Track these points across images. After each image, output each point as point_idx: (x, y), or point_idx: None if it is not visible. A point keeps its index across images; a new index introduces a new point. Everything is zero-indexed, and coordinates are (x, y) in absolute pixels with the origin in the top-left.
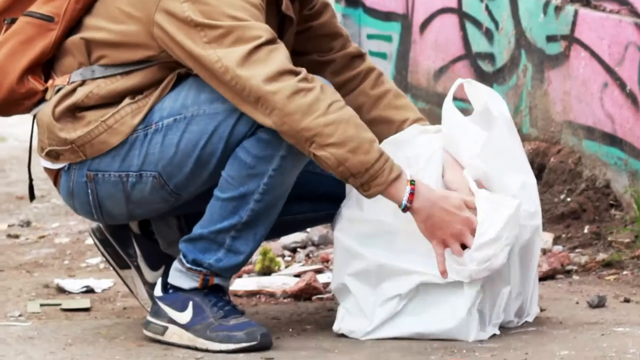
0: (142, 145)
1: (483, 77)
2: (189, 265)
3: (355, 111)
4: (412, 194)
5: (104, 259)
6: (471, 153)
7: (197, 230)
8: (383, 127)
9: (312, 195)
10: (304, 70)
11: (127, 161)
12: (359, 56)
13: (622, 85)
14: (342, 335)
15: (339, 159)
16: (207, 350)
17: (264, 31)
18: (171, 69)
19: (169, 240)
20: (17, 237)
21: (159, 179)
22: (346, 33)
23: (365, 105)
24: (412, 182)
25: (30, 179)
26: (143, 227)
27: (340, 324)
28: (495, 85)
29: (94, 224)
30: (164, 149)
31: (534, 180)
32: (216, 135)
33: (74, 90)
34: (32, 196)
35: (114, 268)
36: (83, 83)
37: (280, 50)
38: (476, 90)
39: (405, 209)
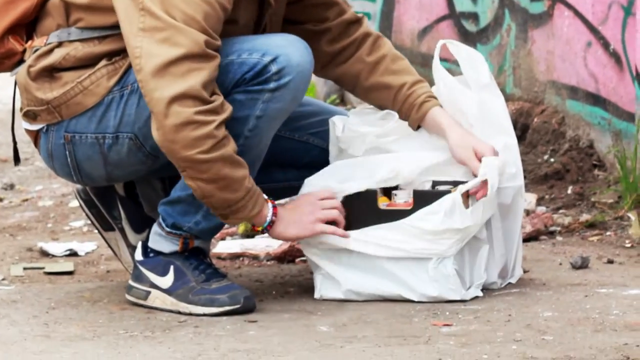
0: (118, 106)
1: (467, 37)
2: (168, 229)
3: (353, 79)
4: (270, 225)
5: (88, 221)
6: (470, 115)
7: (175, 192)
8: (382, 93)
9: (297, 164)
10: (217, 100)
11: (103, 122)
12: (356, 22)
13: (605, 45)
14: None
15: (204, 193)
16: (190, 314)
17: (196, 44)
18: None
19: (153, 203)
20: (0, 200)
21: (135, 140)
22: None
23: (363, 72)
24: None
25: (15, 142)
26: (128, 189)
27: (320, 292)
28: (479, 45)
29: (79, 185)
30: (140, 110)
31: (515, 141)
32: None
33: (50, 52)
34: (16, 159)
35: (97, 230)
36: (60, 45)
37: (202, 71)
38: (459, 51)
39: (263, 231)
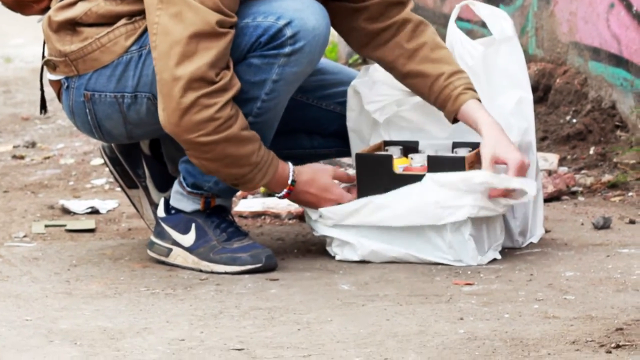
0: (137, 66)
1: None
2: (189, 189)
3: (391, 64)
4: (287, 193)
5: (110, 179)
6: (470, 62)
7: None
8: (418, 81)
9: (324, 132)
10: (224, 78)
11: (122, 82)
12: (397, 4)
13: (628, 6)
14: None
15: (209, 170)
16: (211, 272)
17: (206, 23)
18: None
19: (177, 163)
20: (22, 158)
21: (153, 100)
22: None
23: (401, 58)
24: (292, 183)
25: (42, 89)
26: (154, 148)
27: (337, 257)
28: (501, 6)
29: (103, 142)
30: None
31: (530, 95)
32: None
33: (73, 4)
34: (43, 107)
35: (121, 187)
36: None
37: (210, 51)
38: (480, 10)
39: (282, 197)
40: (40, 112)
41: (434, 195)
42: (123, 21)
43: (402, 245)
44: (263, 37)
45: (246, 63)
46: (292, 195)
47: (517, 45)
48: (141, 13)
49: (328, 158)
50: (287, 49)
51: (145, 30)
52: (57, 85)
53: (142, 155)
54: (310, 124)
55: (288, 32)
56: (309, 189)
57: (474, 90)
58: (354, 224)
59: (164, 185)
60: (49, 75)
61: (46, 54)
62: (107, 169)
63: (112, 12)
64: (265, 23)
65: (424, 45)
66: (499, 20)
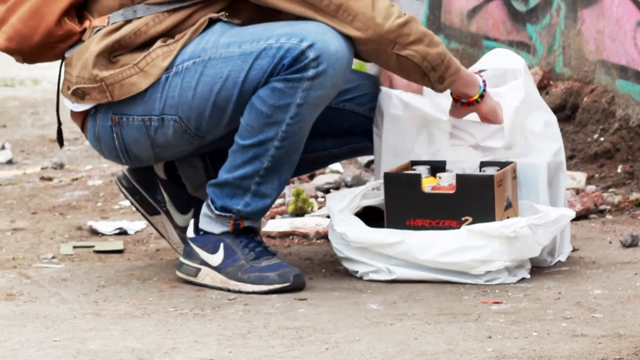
0: (163, 88)
1: (516, 17)
2: (218, 212)
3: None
4: (484, 81)
5: (134, 207)
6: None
7: (222, 175)
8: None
9: (337, 131)
10: None
11: (149, 104)
12: None
13: None
14: None
15: (422, 54)
16: (239, 292)
17: None
18: (205, 13)
19: (196, 183)
20: (50, 179)
21: (180, 123)
22: None
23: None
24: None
25: (59, 123)
26: (169, 171)
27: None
28: (528, 25)
29: (120, 173)
30: (183, 92)
31: (554, 117)
32: (230, 80)
33: (117, 30)
34: (60, 141)
35: (143, 215)
36: (127, 22)
37: None
38: (490, 59)
39: (482, 95)
40: (60, 147)
41: (470, 246)
42: (159, 43)
43: (433, 272)
44: (286, 59)
45: (270, 87)
46: (484, 98)
47: (529, 74)
48: (174, 34)
49: (343, 159)
50: (311, 72)
51: (179, 52)
52: (80, 116)
53: (159, 180)
54: (321, 126)
55: (311, 54)
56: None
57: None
58: (384, 253)
59: (185, 207)
60: (74, 107)
61: (70, 82)
62: None
63: (156, 32)
64: (288, 45)
65: None
66: (508, 58)
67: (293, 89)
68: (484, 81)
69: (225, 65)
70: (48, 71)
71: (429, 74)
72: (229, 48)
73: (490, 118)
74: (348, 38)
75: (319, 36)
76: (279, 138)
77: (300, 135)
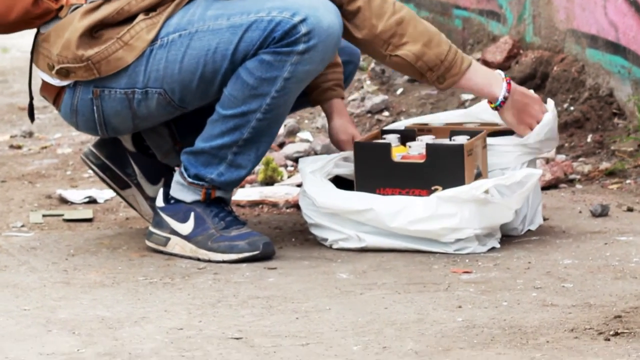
0: (148, 61)
1: None
2: (190, 180)
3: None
4: (510, 83)
5: (104, 183)
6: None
7: (198, 144)
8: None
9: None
10: None
11: (132, 77)
12: None
13: None
14: None
15: (416, 55)
16: (209, 261)
17: None
18: None
19: (164, 150)
20: (19, 147)
21: (165, 95)
22: None
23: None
24: (504, 75)
25: (31, 98)
26: (137, 143)
27: (334, 244)
28: None
29: (86, 149)
30: (168, 65)
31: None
32: (218, 52)
33: (97, 8)
34: (32, 116)
35: (114, 190)
36: (106, 2)
37: None
38: None
39: (504, 100)
40: (31, 121)
41: (440, 214)
42: (141, 16)
43: (403, 241)
44: (277, 32)
45: (258, 59)
46: (510, 99)
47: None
48: (156, 8)
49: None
50: (301, 47)
51: (163, 24)
52: (54, 89)
53: (128, 153)
54: None
55: (303, 29)
56: (525, 94)
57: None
58: (353, 219)
59: (155, 178)
60: (53, 82)
61: (52, 61)
62: None
63: (141, 8)
64: (279, 18)
65: None
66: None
67: (282, 63)
68: (508, 82)
69: (213, 37)
70: (17, 40)
71: (425, 74)
72: (216, 20)
73: (513, 128)
74: (338, 13)
75: (311, 11)
76: (262, 110)
77: (283, 109)
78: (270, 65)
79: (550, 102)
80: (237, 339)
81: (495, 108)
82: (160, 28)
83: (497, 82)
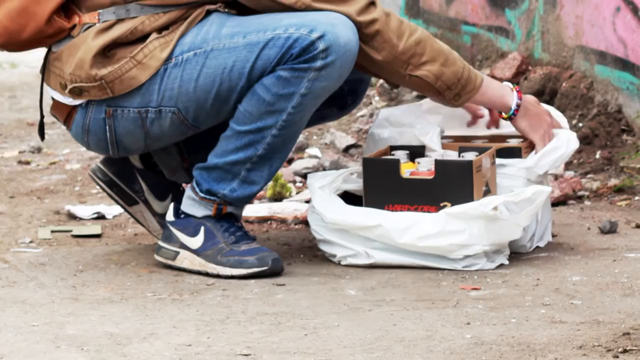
0: (162, 80)
1: (495, 1)
2: (202, 195)
3: None
4: (520, 91)
5: (112, 200)
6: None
7: (212, 159)
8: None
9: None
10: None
11: (146, 96)
12: None
13: (634, 10)
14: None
15: (436, 75)
16: (218, 276)
17: None
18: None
19: (171, 167)
20: (28, 163)
21: (178, 114)
22: None
23: None
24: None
25: (42, 116)
26: (145, 160)
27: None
28: (507, 10)
29: (94, 166)
30: (183, 84)
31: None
32: (235, 70)
33: (110, 28)
34: (42, 135)
35: (122, 206)
36: (119, 21)
37: None
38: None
39: (517, 108)
40: (42, 140)
41: (448, 230)
42: (154, 35)
43: (411, 257)
44: (295, 49)
45: (275, 75)
46: (522, 107)
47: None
48: (169, 26)
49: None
50: (319, 63)
51: (176, 42)
52: (66, 108)
53: (136, 170)
54: None
55: (321, 45)
56: (535, 103)
57: None
58: (362, 235)
59: (163, 194)
60: (66, 100)
61: (65, 80)
62: None
63: (154, 28)
64: (297, 35)
65: None
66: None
67: (299, 79)
68: (518, 91)
69: (229, 55)
70: (26, 55)
71: (444, 93)
72: (232, 38)
73: (527, 135)
74: (355, 30)
75: (328, 27)
76: (278, 126)
77: (299, 125)
78: (287, 81)
79: (564, 123)
80: (245, 355)
81: (509, 117)
82: (174, 46)
83: (509, 93)
